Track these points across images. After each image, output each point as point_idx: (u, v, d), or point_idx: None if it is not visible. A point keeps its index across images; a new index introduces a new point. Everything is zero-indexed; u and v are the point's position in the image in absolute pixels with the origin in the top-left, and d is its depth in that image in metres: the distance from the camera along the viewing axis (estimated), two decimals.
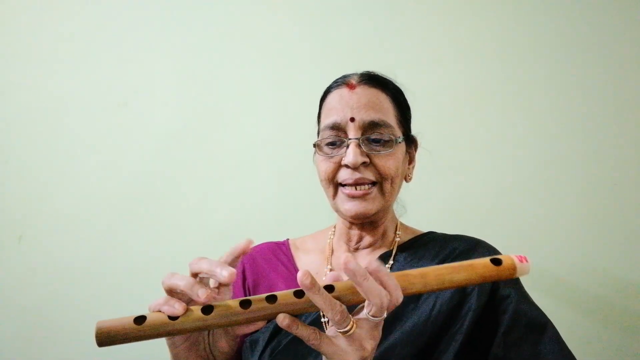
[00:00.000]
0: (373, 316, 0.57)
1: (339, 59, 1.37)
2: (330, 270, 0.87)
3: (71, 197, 1.39)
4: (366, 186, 0.81)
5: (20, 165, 1.40)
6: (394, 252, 0.86)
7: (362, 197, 0.81)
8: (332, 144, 0.82)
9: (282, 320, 0.56)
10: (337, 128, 0.81)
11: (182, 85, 1.41)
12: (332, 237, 0.93)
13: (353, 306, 0.60)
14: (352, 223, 0.87)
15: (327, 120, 0.83)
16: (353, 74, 0.86)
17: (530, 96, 1.32)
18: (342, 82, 0.85)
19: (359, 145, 0.80)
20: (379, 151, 0.81)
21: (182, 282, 0.57)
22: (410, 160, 0.90)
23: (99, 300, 1.35)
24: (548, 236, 1.27)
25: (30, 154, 1.40)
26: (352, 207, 0.81)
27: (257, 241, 0.99)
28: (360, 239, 0.88)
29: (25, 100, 1.41)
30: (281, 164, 1.37)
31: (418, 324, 0.75)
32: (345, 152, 0.80)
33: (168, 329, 0.56)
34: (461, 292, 0.77)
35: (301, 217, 1.32)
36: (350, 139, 0.80)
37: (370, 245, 0.88)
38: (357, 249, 0.89)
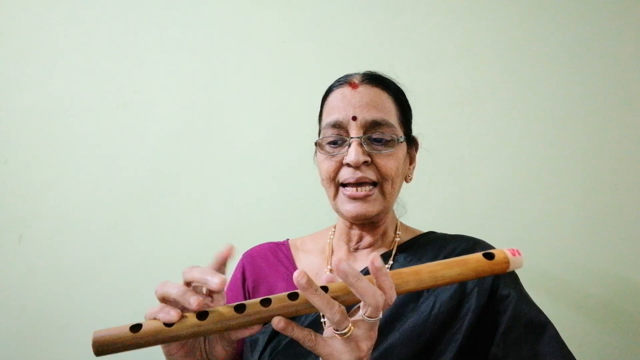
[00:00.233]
0: (369, 317, 0.57)
1: (339, 58, 1.37)
2: (331, 270, 0.87)
3: (71, 197, 1.39)
4: (367, 188, 0.81)
5: (20, 165, 1.40)
6: (393, 252, 0.86)
7: (363, 198, 0.81)
8: (333, 143, 0.83)
9: (277, 323, 0.57)
10: (339, 126, 0.81)
11: (182, 85, 1.41)
12: (332, 237, 0.93)
13: (349, 308, 0.60)
14: (352, 223, 0.87)
15: (328, 119, 0.83)
16: (355, 74, 0.86)
17: (531, 96, 1.32)
18: (344, 81, 0.85)
19: (360, 144, 0.80)
20: (381, 150, 0.81)
21: (174, 290, 0.58)
22: (411, 160, 0.91)
23: (98, 300, 1.35)
24: (548, 236, 1.27)
25: (31, 154, 1.40)
26: (352, 208, 0.81)
27: (257, 241, 1.00)
28: (360, 239, 0.88)
29: (25, 100, 1.41)
30: (281, 164, 1.37)
31: (417, 324, 0.75)
32: (347, 151, 0.80)
33: (164, 336, 0.56)
34: (461, 292, 0.77)
35: (301, 217, 1.32)
36: (352, 137, 0.80)
37: (370, 245, 0.88)
38: (357, 249, 0.89)
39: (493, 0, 1.35)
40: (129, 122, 1.41)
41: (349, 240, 0.89)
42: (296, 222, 1.30)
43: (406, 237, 0.90)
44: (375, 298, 0.55)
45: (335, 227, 0.94)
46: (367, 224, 0.86)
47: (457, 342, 0.73)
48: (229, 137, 1.39)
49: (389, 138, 0.81)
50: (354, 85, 0.83)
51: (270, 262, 0.93)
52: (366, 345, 0.58)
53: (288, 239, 0.99)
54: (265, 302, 0.57)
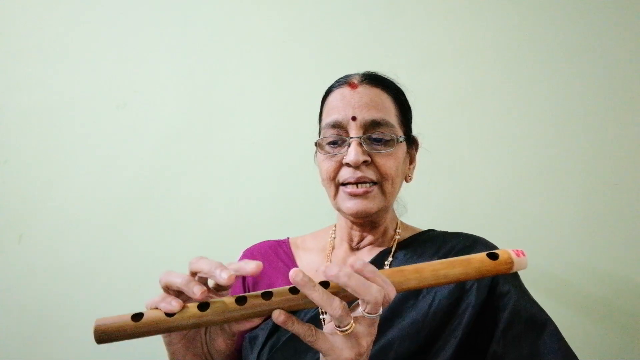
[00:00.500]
0: (369, 313, 0.57)
1: (338, 59, 1.38)
2: None
3: (71, 197, 1.39)
4: (367, 184, 0.81)
5: (21, 165, 1.40)
6: (393, 249, 0.86)
7: (364, 195, 0.81)
8: (333, 143, 0.83)
9: (278, 316, 0.56)
10: (339, 127, 0.82)
11: (182, 85, 1.42)
12: (333, 236, 0.93)
13: (349, 303, 0.60)
14: (353, 222, 0.87)
15: (328, 119, 0.83)
16: (355, 74, 0.86)
17: (531, 96, 1.32)
18: (344, 81, 0.85)
19: (360, 144, 0.80)
20: (380, 150, 0.81)
21: (179, 279, 0.58)
22: (411, 160, 0.91)
23: (98, 300, 1.35)
24: (548, 236, 1.27)
25: (31, 154, 1.40)
26: (353, 205, 0.81)
27: (257, 241, 1.00)
28: (361, 239, 0.89)
29: (25, 100, 1.41)
30: (281, 164, 1.37)
31: (417, 320, 0.75)
32: (347, 151, 0.80)
33: (165, 326, 0.56)
34: (460, 289, 0.77)
35: (301, 217, 1.32)
36: (351, 137, 0.80)
37: (371, 244, 0.88)
38: (357, 248, 0.89)
39: (493, 1, 1.35)
40: (129, 122, 1.41)
41: (350, 240, 0.90)
42: (296, 222, 1.30)
43: (406, 235, 0.90)
44: (372, 294, 0.55)
45: (335, 226, 0.95)
46: (367, 223, 0.86)
47: (457, 338, 0.73)
48: (229, 137, 1.39)
49: (388, 138, 0.81)
50: (353, 86, 0.83)
51: (271, 259, 0.93)
52: (366, 341, 0.58)
53: (289, 237, 0.99)
54: (267, 295, 0.57)
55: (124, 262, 1.36)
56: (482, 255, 0.62)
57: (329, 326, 0.60)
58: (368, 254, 0.88)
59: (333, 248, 0.91)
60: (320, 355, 0.60)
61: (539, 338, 0.73)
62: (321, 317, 0.79)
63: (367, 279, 0.56)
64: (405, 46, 1.37)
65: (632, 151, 1.27)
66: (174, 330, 0.57)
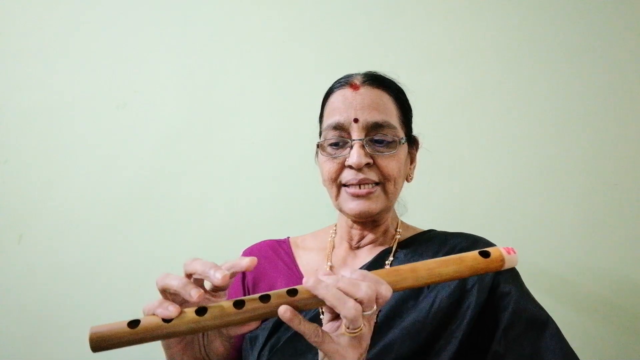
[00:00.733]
0: (347, 328, 0.56)
1: (339, 58, 1.38)
2: (331, 267, 0.87)
3: (71, 197, 1.39)
4: (370, 185, 0.81)
5: (20, 165, 1.40)
6: (393, 248, 0.86)
7: (366, 195, 0.81)
8: (335, 145, 0.83)
9: (284, 312, 0.55)
10: (341, 128, 0.81)
11: (182, 85, 1.41)
12: (333, 235, 0.93)
13: None
14: (354, 222, 0.87)
15: (330, 121, 0.83)
16: (356, 74, 0.86)
17: (531, 96, 1.32)
18: (345, 82, 0.85)
19: (362, 147, 0.80)
20: (382, 152, 0.81)
21: (175, 282, 0.57)
22: (412, 160, 0.91)
23: (98, 300, 1.35)
24: (548, 236, 1.27)
25: (31, 154, 1.40)
26: (355, 206, 0.81)
27: (257, 241, 1.00)
28: (361, 238, 0.89)
29: (25, 100, 1.41)
30: (281, 164, 1.37)
31: (417, 320, 0.75)
32: (349, 152, 0.80)
33: (162, 332, 0.55)
34: (461, 289, 0.77)
35: (301, 217, 1.32)
36: (353, 140, 0.80)
37: (371, 243, 0.88)
38: (358, 247, 0.89)
39: (493, 1, 1.35)
40: (129, 122, 1.41)
41: (350, 239, 0.90)
42: (296, 222, 1.29)
43: (407, 235, 0.90)
44: (348, 310, 0.54)
45: (336, 225, 0.94)
46: (368, 223, 0.87)
47: (457, 338, 0.73)
48: (229, 137, 1.39)
49: (390, 139, 0.81)
50: (355, 87, 0.83)
51: (271, 259, 0.93)
52: (366, 342, 0.58)
53: (289, 237, 0.99)
54: (265, 299, 0.57)
55: (124, 262, 1.36)
56: (475, 253, 0.64)
57: (327, 326, 0.60)
58: (368, 253, 0.87)
59: (333, 247, 0.91)
60: (320, 356, 0.60)
61: (540, 338, 0.73)
62: (321, 317, 0.79)
63: (345, 291, 0.55)
64: (405, 46, 1.37)
65: (632, 151, 1.27)
66: (172, 336, 0.56)
